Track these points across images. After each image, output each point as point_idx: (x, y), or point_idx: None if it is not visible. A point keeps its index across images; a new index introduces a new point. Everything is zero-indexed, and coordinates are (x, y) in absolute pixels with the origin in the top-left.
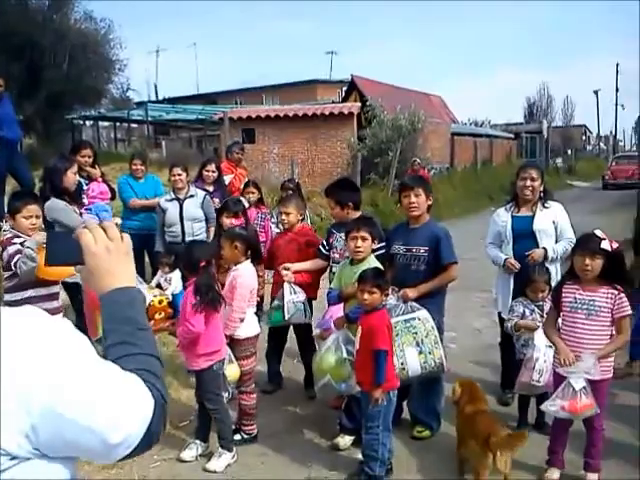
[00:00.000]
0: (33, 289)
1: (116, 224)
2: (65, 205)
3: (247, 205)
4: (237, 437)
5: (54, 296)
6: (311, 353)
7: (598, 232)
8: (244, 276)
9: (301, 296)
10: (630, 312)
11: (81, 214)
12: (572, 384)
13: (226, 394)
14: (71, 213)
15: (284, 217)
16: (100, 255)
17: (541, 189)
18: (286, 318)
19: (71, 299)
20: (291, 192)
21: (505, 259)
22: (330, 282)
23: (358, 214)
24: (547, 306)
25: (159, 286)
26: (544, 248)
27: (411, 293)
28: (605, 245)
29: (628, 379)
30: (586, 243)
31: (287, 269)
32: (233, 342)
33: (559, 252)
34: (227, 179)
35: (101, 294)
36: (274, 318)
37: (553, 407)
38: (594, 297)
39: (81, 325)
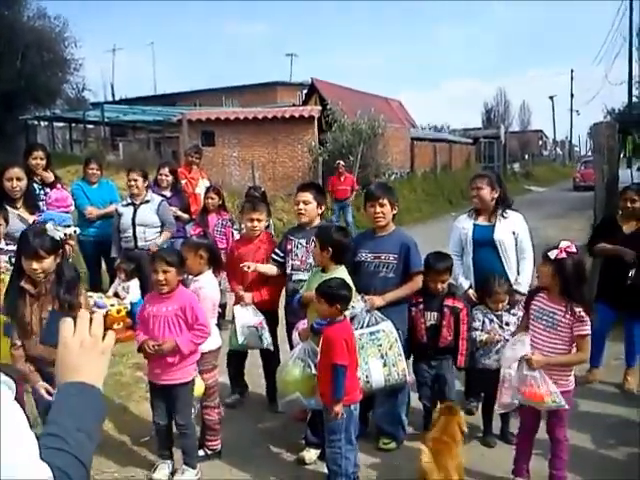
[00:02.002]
0: None
1: (74, 232)
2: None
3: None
4: (201, 453)
5: None
6: (273, 368)
7: (564, 243)
8: (207, 288)
9: (255, 319)
10: (587, 332)
11: (34, 222)
12: (523, 369)
13: (193, 410)
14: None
15: (256, 224)
16: (71, 348)
17: (494, 196)
18: (239, 343)
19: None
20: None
21: (466, 290)
22: (287, 291)
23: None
24: (505, 317)
25: (116, 295)
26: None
27: (378, 301)
28: (551, 253)
29: (588, 386)
30: (545, 251)
31: (249, 267)
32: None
33: (527, 281)
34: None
35: (60, 383)
36: (232, 342)
37: (509, 391)
38: (555, 310)
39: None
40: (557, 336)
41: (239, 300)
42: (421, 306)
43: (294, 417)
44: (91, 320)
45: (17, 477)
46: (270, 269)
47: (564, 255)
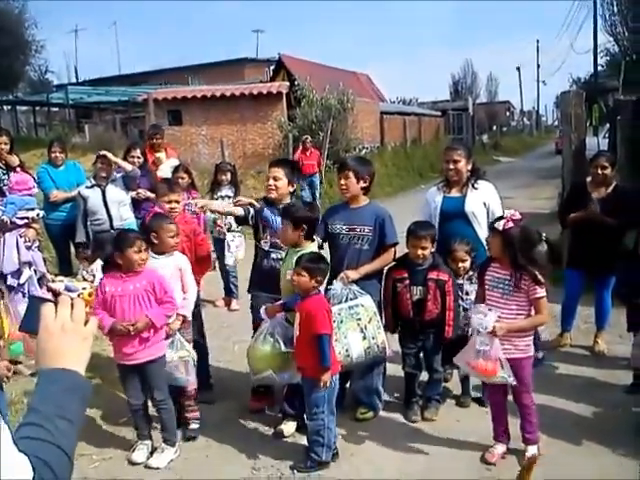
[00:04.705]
0: None
1: (37, 215)
2: None
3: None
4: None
5: None
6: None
7: (508, 212)
8: (186, 263)
9: None
10: (542, 295)
11: None
12: (476, 343)
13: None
14: None
15: (174, 205)
16: (53, 332)
17: (468, 168)
18: None
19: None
20: (230, 174)
21: None
22: (263, 269)
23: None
24: (467, 286)
25: (85, 279)
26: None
27: (353, 275)
28: (498, 224)
29: (559, 349)
30: (491, 222)
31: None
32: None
33: None
34: None
35: (40, 369)
36: None
37: (460, 362)
38: (508, 277)
39: None
40: (514, 302)
41: None
42: (406, 281)
43: (251, 409)
44: (72, 305)
45: None
46: (226, 206)
47: (510, 224)
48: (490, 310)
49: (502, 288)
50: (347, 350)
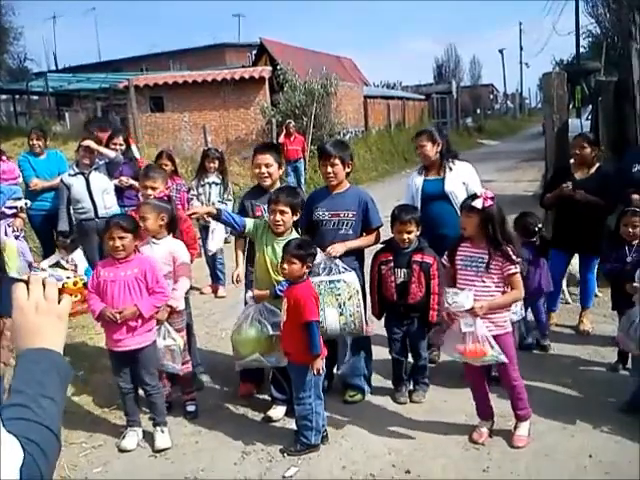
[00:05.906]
0: None
1: (25, 204)
2: None
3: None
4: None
5: None
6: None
7: (480, 191)
8: (182, 250)
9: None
10: (516, 271)
11: None
12: (460, 326)
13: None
14: None
15: (150, 192)
16: (27, 312)
17: (437, 150)
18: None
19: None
20: (217, 161)
21: None
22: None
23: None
24: None
25: (59, 266)
26: None
27: (339, 247)
28: (476, 203)
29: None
30: (464, 202)
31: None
32: (171, 314)
33: None
34: None
35: (19, 350)
36: None
37: (448, 351)
38: (482, 255)
39: None
40: (490, 280)
41: None
42: (391, 264)
43: (240, 394)
44: (44, 284)
45: None
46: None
47: (489, 203)
48: (462, 289)
49: (476, 266)
50: (321, 322)
